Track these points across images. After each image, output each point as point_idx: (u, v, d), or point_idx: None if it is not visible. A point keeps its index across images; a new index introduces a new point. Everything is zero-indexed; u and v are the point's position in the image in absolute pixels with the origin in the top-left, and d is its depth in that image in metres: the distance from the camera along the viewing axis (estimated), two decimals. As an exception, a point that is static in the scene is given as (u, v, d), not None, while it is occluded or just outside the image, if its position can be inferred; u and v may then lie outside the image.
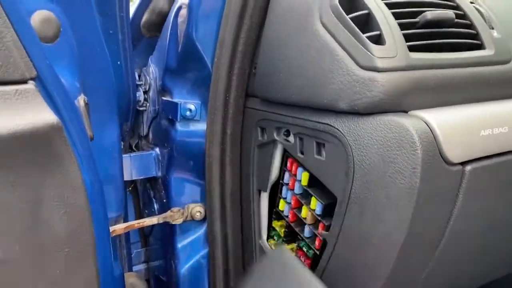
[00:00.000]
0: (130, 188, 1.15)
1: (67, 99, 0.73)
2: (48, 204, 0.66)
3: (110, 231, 0.85)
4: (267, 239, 0.94)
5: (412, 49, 0.64)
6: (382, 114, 0.63)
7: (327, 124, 0.68)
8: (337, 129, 0.66)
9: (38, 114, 0.62)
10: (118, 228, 0.87)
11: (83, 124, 0.75)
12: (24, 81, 0.63)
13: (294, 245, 0.88)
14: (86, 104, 0.78)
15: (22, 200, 0.62)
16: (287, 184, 0.84)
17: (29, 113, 0.62)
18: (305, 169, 0.78)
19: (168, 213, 0.96)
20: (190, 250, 1.02)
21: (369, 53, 0.61)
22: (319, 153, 0.73)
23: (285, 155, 0.84)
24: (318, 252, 0.78)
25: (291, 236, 0.88)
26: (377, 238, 0.65)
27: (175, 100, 0.94)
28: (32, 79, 0.64)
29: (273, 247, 0.92)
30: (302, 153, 0.77)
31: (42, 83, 0.68)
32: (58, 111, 0.66)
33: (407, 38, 0.64)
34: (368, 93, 0.61)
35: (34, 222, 0.64)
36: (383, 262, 0.66)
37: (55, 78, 0.71)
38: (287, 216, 0.86)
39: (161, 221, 0.94)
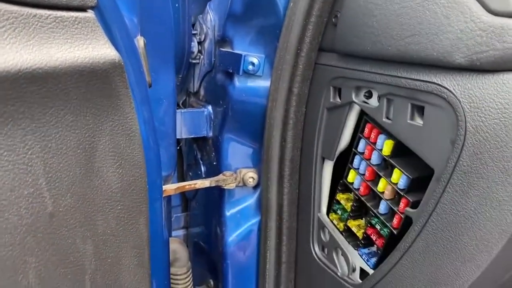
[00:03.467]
0: (178, 147, 1.06)
1: (127, 36, 0.64)
2: (103, 153, 0.57)
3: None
4: (328, 212, 0.85)
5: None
6: (510, 71, 0.52)
7: (433, 82, 0.57)
8: (447, 88, 0.56)
9: (98, 48, 0.53)
10: (169, 188, 0.79)
11: (142, 67, 0.66)
12: (83, 9, 0.54)
13: (361, 222, 0.79)
14: (145, 46, 0.68)
15: (78, 145, 0.54)
16: (362, 153, 0.74)
17: (88, 45, 0.53)
18: (389, 136, 0.68)
19: (221, 176, 0.88)
20: (239, 218, 0.94)
21: (504, -6, 0.50)
22: (414, 117, 0.62)
23: (363, 119, 0.73)
24: (396, 232, 0.69)
25: (358, 211, 0.79)
26: (485, 218, 0.55)
27: (237, 51, 0.84)
28: (91, 8, 0.55)
29: (334, 222, 0.83)
30: (388, 117, 0.67)
31: (102, 14, 0.59)
32: (117, 48, 0.57)
33: (549, -20, 0.52)
34: (499, 44, 0.50)
35: (88, 173, 0.56)
36: (487, 248, 0.56)
37: (116, 11, 0.62)
38: (357, 189, 0.76)
39: (213, 184, 0.86)
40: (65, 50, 0.51)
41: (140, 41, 0.67)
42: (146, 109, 0.67)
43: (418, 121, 0.62)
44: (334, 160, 0.82)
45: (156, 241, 0.75)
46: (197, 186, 0.83)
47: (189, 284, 0.97)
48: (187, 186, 0.82)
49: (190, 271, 0.97)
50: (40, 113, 0.50)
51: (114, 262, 0.63)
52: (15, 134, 0.49)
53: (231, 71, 0.84)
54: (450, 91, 0.55)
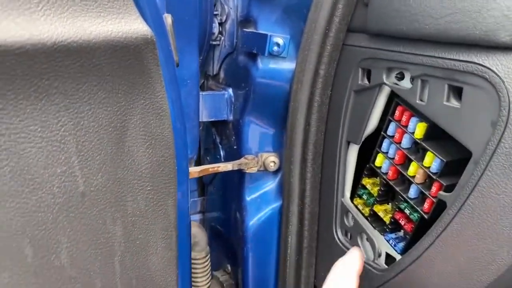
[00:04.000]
0: (199, 130, 1.05)
1: (156, 12, 0.62)
2: (134, 131, 0.56)
3: (186, 173, 0.76)
4: (352, 198, 0.84)
5: None
6: (559, 50, 0.50)
7: (473, 62, 0.56)
8: (489, 68, 0.54)
9: (130, 23, 0.52)
10: (193, 171, 0.78)
11: (170, 45, 0.64)
12: (116, -16, 0.52)
13: (388, 206, 0.78)
14: (173, 24, 0.67)
15: (110, 123, 0.52)
16: (392, 136, 0.72)
17: (121, 20, 0.51)
18: (423, 118, 0.67)
19: (243, 160, 0.86)
20: (260, 203, 0.93)
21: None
22: (450, 99, 0.61)
23: (394, 102, 0.72)
24: (427, 216, 0.67)
25: (385, 196, 0.78)
26: (527, 204, 0.53)
27: (261, 31, 0.82)
28: (123, -17, 0.53)
29: (359, 207, 0.82)
30: (422, 99, 0.65)
31: (132, -12, 0.57)
32: (147, 24, 0.55)
33: None
34: (550, 21, 0.48)
35: (119, 152, 0.55)
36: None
37: (146, -14, 0.60)
38: (385, 173, 0.75)
39: (235, 168, 0.84)
40: (98, 24, 0.49)
41: (168, 19, 0.65)
42: (174, 89, 0.65)
43: (455, 103, 0.60)
44: (360, 144, 0.80)
45: (181, 225, 0.74)
46: (220, 169, 0.82)
47: (208, 269, 0.96)
48: (210, 169, 0.81)
49: (209, 255, 0.96)
50: (73, 88, 0.49)
51: (143, 244, 0.61)
52: (49, 110, 0.47)
53: (255, 52, 0.83)
54: (493, 71, 0.54)
